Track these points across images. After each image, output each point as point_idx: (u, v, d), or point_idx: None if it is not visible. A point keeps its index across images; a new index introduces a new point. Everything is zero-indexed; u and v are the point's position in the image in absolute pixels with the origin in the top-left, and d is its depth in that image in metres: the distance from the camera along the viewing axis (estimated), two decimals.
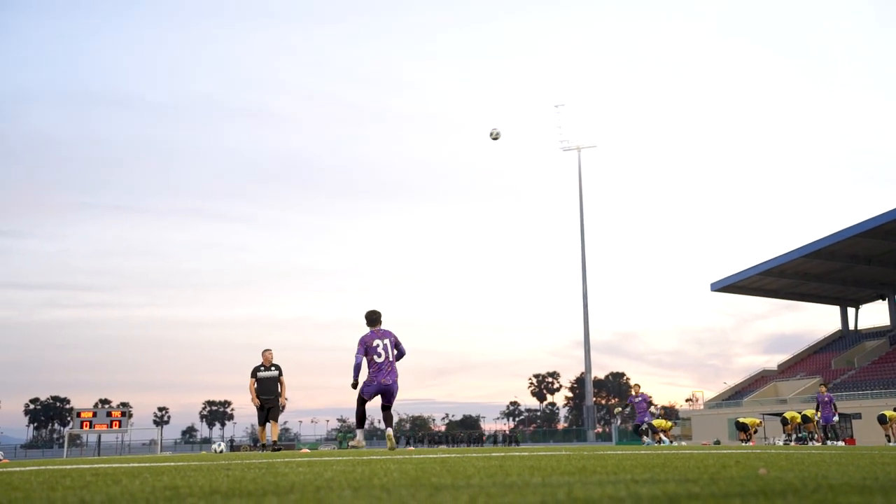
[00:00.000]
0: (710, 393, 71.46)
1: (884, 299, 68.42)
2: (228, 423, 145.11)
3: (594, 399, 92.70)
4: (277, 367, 16.47)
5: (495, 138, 15.70)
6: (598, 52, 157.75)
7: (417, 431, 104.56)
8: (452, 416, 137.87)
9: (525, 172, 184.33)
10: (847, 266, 61.01)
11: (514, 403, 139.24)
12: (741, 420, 31.93)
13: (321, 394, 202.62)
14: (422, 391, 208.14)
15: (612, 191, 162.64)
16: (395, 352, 11.72)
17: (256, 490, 3.16)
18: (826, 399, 26.94)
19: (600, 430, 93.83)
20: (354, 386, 11.52)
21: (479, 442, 68.37)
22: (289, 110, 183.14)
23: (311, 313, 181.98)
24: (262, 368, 16.41)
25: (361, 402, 11.70)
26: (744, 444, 28.86)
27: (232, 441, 77.77)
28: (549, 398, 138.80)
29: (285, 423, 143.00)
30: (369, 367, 11.56)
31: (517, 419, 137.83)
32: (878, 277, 64.18)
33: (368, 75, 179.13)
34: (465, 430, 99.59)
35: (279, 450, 16.07)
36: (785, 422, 30.12)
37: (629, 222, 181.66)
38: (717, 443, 45.30)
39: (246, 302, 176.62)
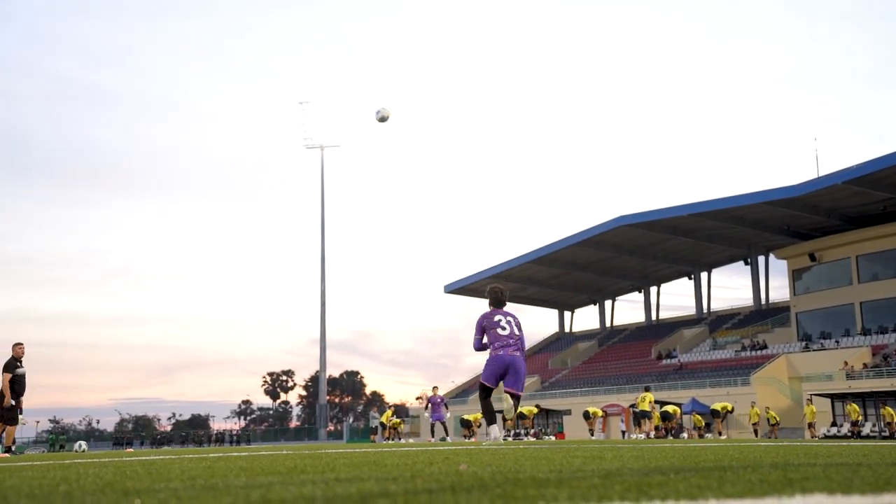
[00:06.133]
0: (440, 391, 74.25)
1: (595, 304, 74.96)
2: None
3: (328, 397, 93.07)
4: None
5: (382, 119, 14.87)
6: (345, 52, 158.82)
7: (140, 432, 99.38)
8: (180, 415, 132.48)
9: (268, 168, 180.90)
10: (565, 272, 66.10)
11: (246, 402, 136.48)
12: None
13: (32, 393, 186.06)
14: (148, 389, 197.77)
15: (354, 190, 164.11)
16: (519, 333, 9.73)
17: None
18: (438, 400, 29.55)
19: (332, 428, 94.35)
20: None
21: (207, 442, 66.30)
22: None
23: (22, 306, 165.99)
24: (19, 364, 14.56)
25: (484, 392, 9.85)
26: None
27: None
28: (283, 396, 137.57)
29: None
30: (491, 344, 9.56)
31: (249, 418, 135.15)
32: (591, 284, 70.12)
33: (101, 55, 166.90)
34: (194, 429, 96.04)
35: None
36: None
37: (370, 223, 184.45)
38: (444, 439, 47.06)
39: None
